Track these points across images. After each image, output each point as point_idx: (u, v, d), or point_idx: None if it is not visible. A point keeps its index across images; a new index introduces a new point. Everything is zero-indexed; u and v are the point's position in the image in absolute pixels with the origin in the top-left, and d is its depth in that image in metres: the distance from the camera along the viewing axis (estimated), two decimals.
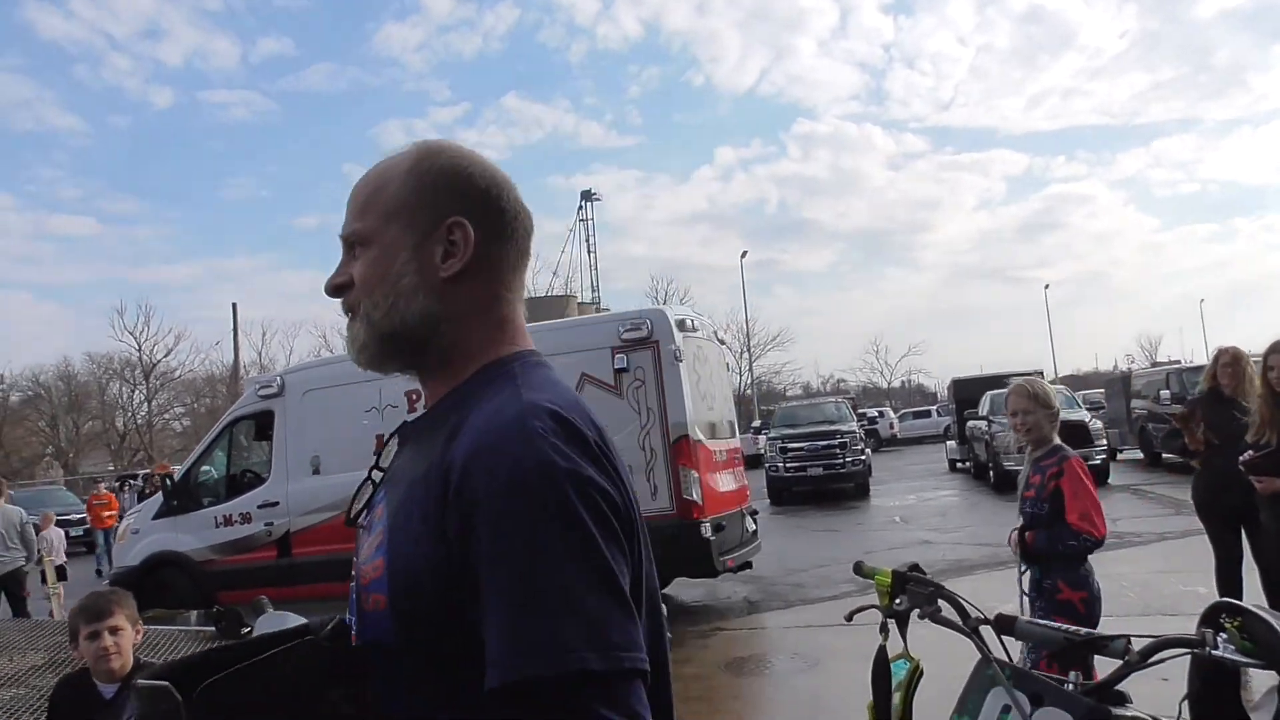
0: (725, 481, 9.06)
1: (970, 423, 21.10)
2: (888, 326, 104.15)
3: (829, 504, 18.15)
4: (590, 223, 52.16)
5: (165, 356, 46.28)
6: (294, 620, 2.07)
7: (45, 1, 72.79)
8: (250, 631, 2.28)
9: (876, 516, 16.04)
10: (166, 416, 49.43)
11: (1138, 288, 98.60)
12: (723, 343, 10.39)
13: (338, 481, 9.17)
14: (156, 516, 10.06)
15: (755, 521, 9.77)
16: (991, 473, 18.52)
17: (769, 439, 20.96)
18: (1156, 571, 8.91)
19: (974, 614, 2.21)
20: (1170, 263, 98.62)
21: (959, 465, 23.70)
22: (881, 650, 2.28)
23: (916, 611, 2.27)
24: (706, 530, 8.14)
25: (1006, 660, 2.13)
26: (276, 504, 9.44)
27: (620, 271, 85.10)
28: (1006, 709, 2.06)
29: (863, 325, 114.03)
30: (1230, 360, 5.47)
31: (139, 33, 77.93)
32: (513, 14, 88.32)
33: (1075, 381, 41.38)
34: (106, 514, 19.09)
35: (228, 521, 9.64)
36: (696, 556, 8.06)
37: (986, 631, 2.21)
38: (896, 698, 2.24)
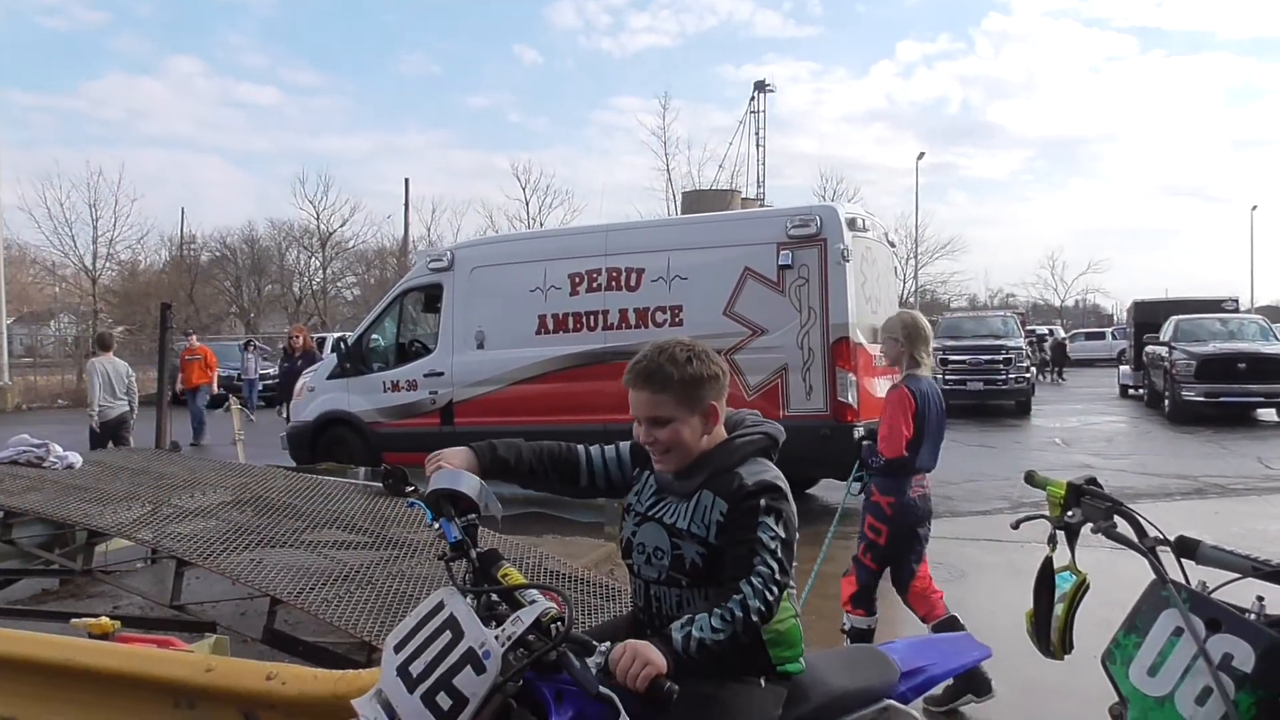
0: (883, 387, 8.85)
1: (1149, 348, 19.89)
2: (1068, 241, 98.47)
3: (987, 420, 17.62)
4: (761, 115, 50.71)
5: (341, 227, 48.47)
6: (468, 480, 2.18)
7: None
8: (414, 491, 2.39)
9: (1036, 436, 15.48)
10: (339, 285, 52.08)
11: None
12: (893, 245, 10.04)
13: (500, 357, 9.51)
14: (330, 377, 10.67)
15: None
16: (1167, 402, 17.52)
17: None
18: None
19: (1152, 534, 2.10)
20: None
21: (1131, 391, 22.49)
22: (1048, 561, 2.20)
23: (1090, 526, 2.17)
24: (859, 433, 8.04)
25: (1184, 583, 2.03)
26: (441, 374, 9.87)
27: (788, 168, 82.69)
28: (1178, 631, 1.97)
29: (1041, 239, 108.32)
30: None
31: None
32: None
33: (1274, 314, 38.16)
34: (197, 373, 16.97)
35: (395, 387, 10.15)
36: (847, 460, 7.98)
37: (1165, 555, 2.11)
38: (1059, 609, 2.17)
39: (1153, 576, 2.07)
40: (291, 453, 10.71)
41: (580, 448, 2.43)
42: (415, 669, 1.96)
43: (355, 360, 10.56)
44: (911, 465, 4.45)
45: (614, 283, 9.12)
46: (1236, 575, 2.05)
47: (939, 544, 7.73)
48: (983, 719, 3.96)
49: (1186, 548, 2.09)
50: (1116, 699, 2.06)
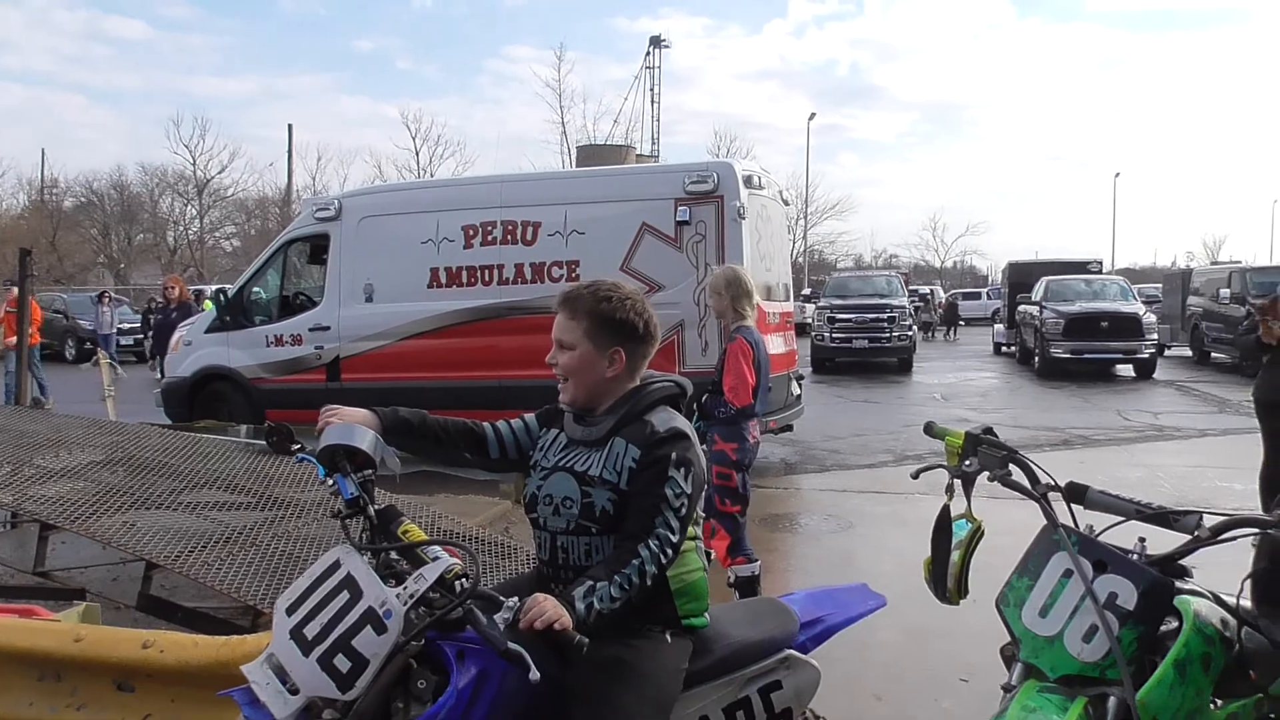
0: (775, 344, 8.98)
1: (1021, 307, 20.77)
2: (948, 204, 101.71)
3: (871, 377, 18.14)
4: (656, 71, 50.44)
5: (219, 174, 46.42)
6: (363, 433, 2.08)
7: None
8: (300, 449, 2.29)
9: (917, 393, 16.01)
10: (218, 235, 49.89)
11: (1208, 185, 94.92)
12: (787, 203, 10.14)
13: (390, 311, 9.24)
14: (209, 330, 10.21)
15: (800, 386, 9.77)
16: (1037, 358, 18.35)
17: (818, 308, 20.83)
18: (1194, 466, 8.87)
19: (1044, 480, 2.16)
20: (1245, 162, 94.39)
21: (1004, 349, 23.48)
22: (945, 509, 2.24)
23: (986, 474, 2.22)
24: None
25: (1073, 527, 2.10)
26: (328, 328, 9.54)
27: (682, 125, 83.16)
28: (1068, 574, 2.04)
29: (923, 201, 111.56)
30: None
31: None
32: None
33: (1133, 275, 40.32)
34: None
35: (279, 342, 9.77)
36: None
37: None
38: (955, 555, 2.22)
39: (1044, 522, 2.13)
40: (167, 410, 10.23)
41: (486, 424, 2.39)
42: (310, 631, 1.88)
43: (236, 313, 10.12)
44: (751, 412, 4.72)
45: (509, 236, 8.95)
46: (1121, 518, 2.13)
47: (830, 495, 7.98)
48: (877, 662, 4.08)
49: (1076, 493, 2.16)
50: (1009, 639, 2.12)
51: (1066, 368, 17.31)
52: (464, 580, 1.86)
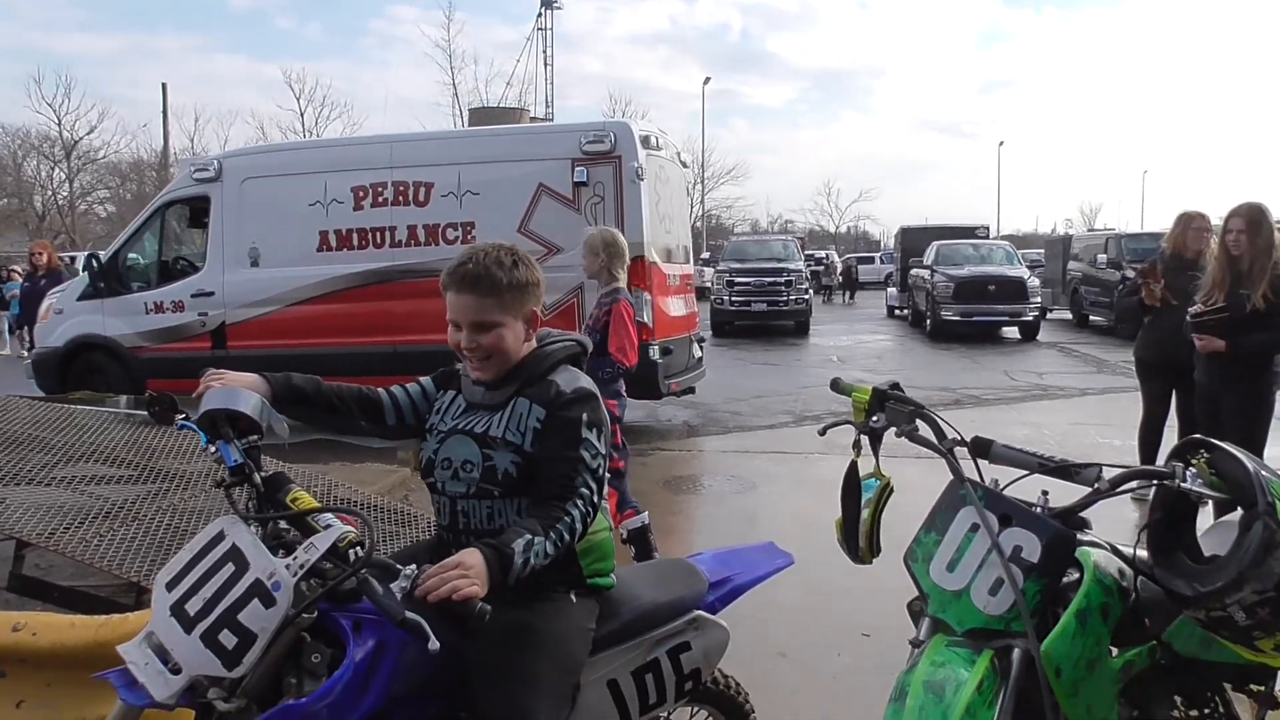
0: (676, 306, 8.99)
1: (914, 271, 21.31)
2: (840, 170, 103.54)
3: (770, 340, 18.38)
4: (549, 33, 49.76)
5: (88, 135, 43.92)
6: (246, 397, 1.95)
7: None
8: (185, 418, 2.15)
9: (814, 355, 16.30)
10: (90, 199, 47.32)
11: (1085, 155, 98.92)
12: (685, 165, 10.10)
13: (278, 276, 8.91)
14: (81, 298, 9.68)
15: (702, 349, 9.81)
16: (929, 321, 18.87)
17: (717, 272, 20.98)
18: (1076, 423, 9.24)
19: (951, 435, 2.16)
20: (1119, 134, 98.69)
21: (897, 312, 24.08)
22: (853, 466, 2.23)
23: (894, 430, 2.22)
24: (654, 353, 8.12)
25: (979, 481, 2.11)
26: (211, 294, 9.15)
27: (575, 89, 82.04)
28: (974, 528, 2.05)
29: (816, 168, 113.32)
30: (1203, 224, 5.54)
31: None
32: None
33: (1016, 241, 41.81)
34: None
35: (159, 309, 9.35)
36: (642, 378, 8.06)
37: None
38: (865, 513, 2.21)
39: (949, 478, 2.14)
40: (38, 382, 9.71)
41: (380, 390, 2.27)
42: (193, 607, 1.75)
43: (111, 279, 9.61)
44: (631, 371, 4.95)
45: (401, 197, 8.69)
46: (1025, 472, 2.15)
47: (732, 457, 8.04)
48: (781, 622, 4.11)
49: (981, 448, 2.17)
50: (916, 595, 2.13)
51: (956, 330, 17.84)
52: (358, 549, 1.75)
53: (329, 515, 1.80)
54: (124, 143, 47.29)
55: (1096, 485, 2.05)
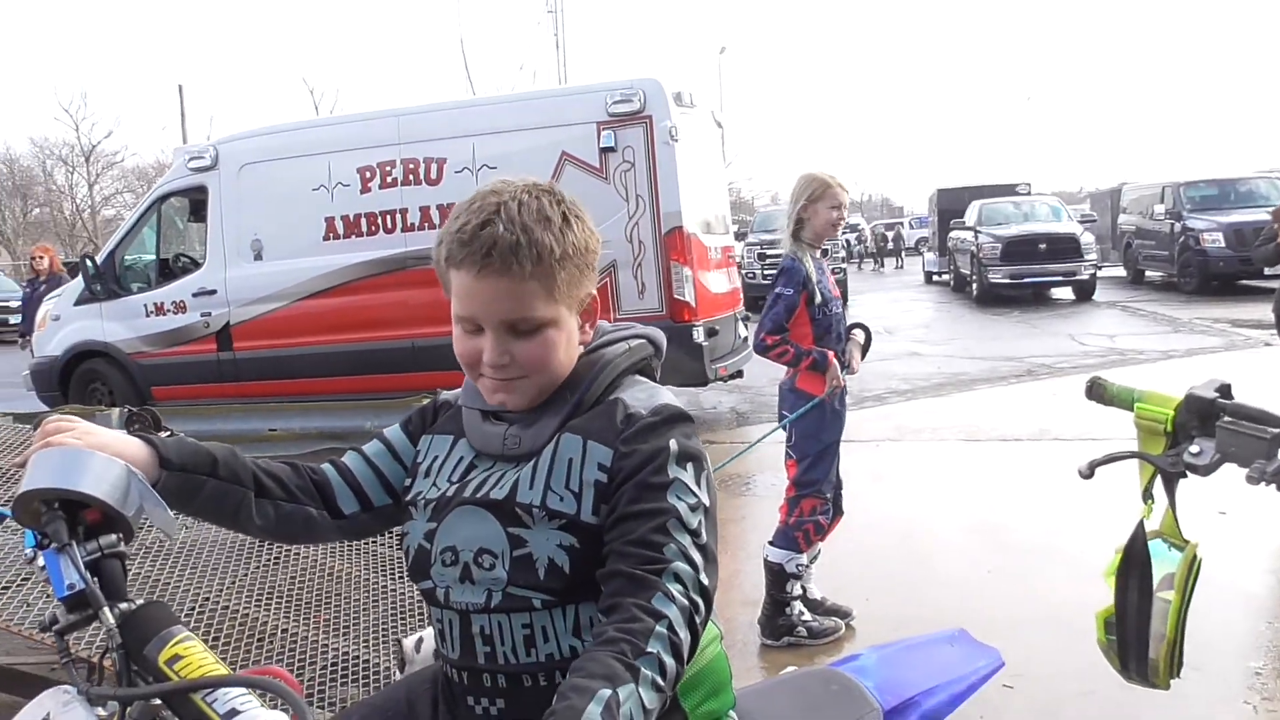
0: (719, 282, 8.15)
1: (954, 234, 20.30)
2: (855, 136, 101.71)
3: None
4: (558, 15, 48.70)
5: (106, 138, 43.73)
6: (100, 466, 1.15)
7: None
8: (172, 434, 1.39)
9: None
10: (115, 205, 47.22)
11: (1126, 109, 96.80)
12: (720, 125, 9.23)
13: (283, 269, 8.19)
14: (79, 303, 9.02)
15: (748, 327, 8.97)
16: (974, 285, 17.90)
17: (747, 245, 20.12)
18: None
19: None
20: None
21: (936, 278, 23.08)
22: (1140, 530, 1.31)
23: (1245, 473, 1.21)
24: (699, 334, 7.31)
25: None
26: (214, 292, 8.44)
27: (587, 71, 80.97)
28: None
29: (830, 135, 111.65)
30: None
31: None
32: None
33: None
34: None
35: (159, 310, 8.66)
36: (687, 363, 7.27)
37: None
38: (1163, 604, 1.31)
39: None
40: (39, 393, 9.11)
41: (325, 464, 1.44)
42: None
43: (108, 281, 8.93)
44: None
45: (411, 176, 7.90)
46: None
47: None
48: None
49: None
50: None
51: (1003, 293, 16.86)
52: None
53: (238, 692, 1.00)
54: (144, 145, 47.03)
55: None
